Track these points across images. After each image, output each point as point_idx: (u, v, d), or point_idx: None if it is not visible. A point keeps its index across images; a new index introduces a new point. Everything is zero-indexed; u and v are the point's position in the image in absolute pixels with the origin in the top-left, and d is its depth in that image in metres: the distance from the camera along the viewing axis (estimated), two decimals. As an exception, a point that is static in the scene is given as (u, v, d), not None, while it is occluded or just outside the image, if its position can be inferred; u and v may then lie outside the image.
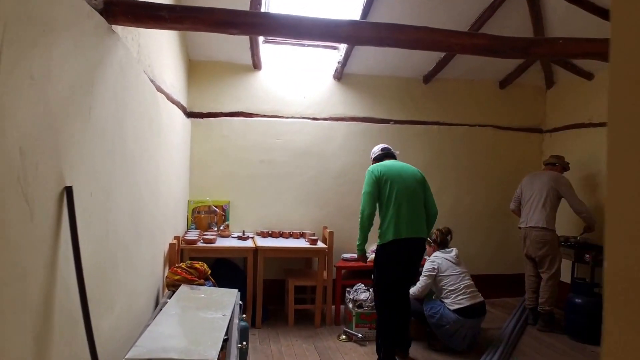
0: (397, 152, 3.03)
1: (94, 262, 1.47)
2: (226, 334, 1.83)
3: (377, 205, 2.74)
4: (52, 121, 1.14)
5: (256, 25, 1.76)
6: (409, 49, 1.93)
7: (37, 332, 1.07)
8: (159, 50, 2.51)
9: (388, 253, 2.69)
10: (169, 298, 2.21)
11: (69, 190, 1.20)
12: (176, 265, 2.58)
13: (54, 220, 1.16)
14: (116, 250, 1.71)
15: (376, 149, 3.02)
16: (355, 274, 3.63)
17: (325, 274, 3.50)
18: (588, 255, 3.52)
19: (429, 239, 3.20)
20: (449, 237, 3.24)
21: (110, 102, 1.60)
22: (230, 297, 2.27)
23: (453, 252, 3.14)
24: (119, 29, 1.72)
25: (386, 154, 2.95)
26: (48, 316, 1.13)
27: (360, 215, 2.71)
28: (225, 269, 3.48)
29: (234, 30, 1.76)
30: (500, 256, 4.39)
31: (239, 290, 2.46)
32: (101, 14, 1.53)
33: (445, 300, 2.98)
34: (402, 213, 2.65)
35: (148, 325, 1.81)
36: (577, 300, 3.37)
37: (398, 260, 2.70)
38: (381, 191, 2.69)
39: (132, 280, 1.96)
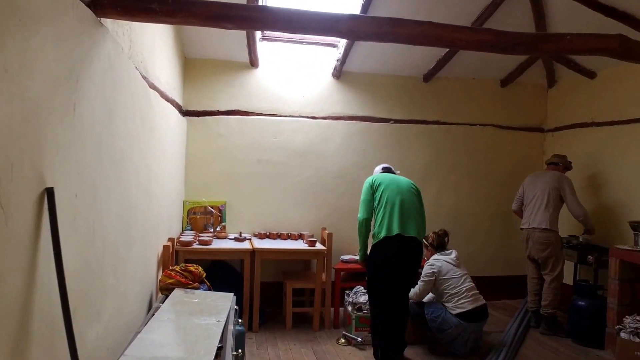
0: (397, 172, 3.11)
1: (80, 267, 1.39)
2: (221, 341, 1.75)
3: (373, 211, 2.81)
4: (31, 118, 1.06)
5: (252, 19, 1.68)
6: (410, 45, 1.85)
7: (14, 343, 0.99)
8: (152, 47, 2.43)
9: (380, 251, 2.69)
10: (162, 302, 2.13)
11: (49, 192, 1.12)
12: (170, 268, 2.50)
13: (32, 223, 1.08)
14: (105, 254, 1.63)
15: (377, 168, 3.12)
16: (354, 276, 3.56)
17: (324, 276, 3.42)
18: (591, 257, 3.46)
19: (425, 242, 3.15)
20: (446, 240, 3.16)
21: (97, 99, 1.52)
22: (225, 301, 2.19)
23: (453, 254, 3.07)
24: (108, 22, 1.65)
25: (386, 172, 3.05)
26: (26, 326, 1.05)
27: (358, 223, 2.81)
28: (221, 272, 3.40)
29: (228, 24, 1.68)
30: (501, 257, 4.32)
31: (234, 294, 2.39)
32: (89, 6, 1.45)
33: (447, 304, 2.91)
34: (394, 212, 2.70)
35: (139, 332, 1.73)
36: (580, 302, 3.31)
37: (390, 259, 2.68)
38: (375, 196, 2.78)
39: (122, 285, 1.88)
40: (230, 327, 1.94)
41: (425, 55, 3.81)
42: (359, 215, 2.79)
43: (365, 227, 2.77)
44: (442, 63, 3.87)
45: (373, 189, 2.79)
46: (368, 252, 2.82)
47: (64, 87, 1.25)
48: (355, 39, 2.69)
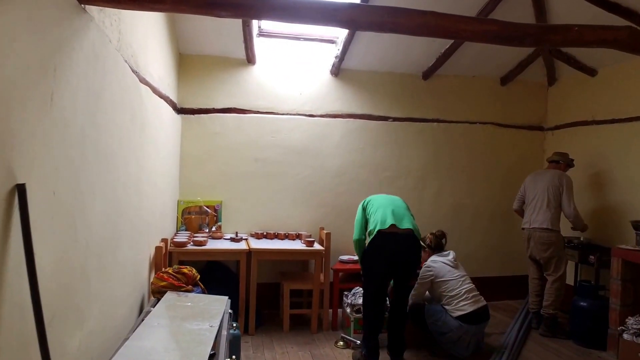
0: None
1: (60, 271, 1.27)
2: (213, 347, 1.64)
3: (367, 222, 2.83)
4: (-3, 106, 0.94)
5: (247, 6, 1.57)
6: (412, 37, 1.75)
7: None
8: (144, 40, 2.32)
9: (375, 247, 2.65)
10: (153, 306, 2.02)
11: (20, 189, 1.01)
12: (163, 270, 2.38)
13: (0, 223, 0.96)
14: (89, 256, 1.52)
15: None
16: (353, 277, 3.45)
17: (322, 276, 3.32)
18: (592, 257, 3.37)
19: (422, 243, 3.07)
20: (443, 241, 3.07)
21: (80, 90, 1.40)
22: (219, 305, 2.08)
23: (450, 255, 2.98)
24: (94, 11, 1.53)
25: None
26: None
27: (353, 243, 2.83)
28: (217, 273, 3.29)
29: (222, 12, 1.56)
30: (501, 257, 4.23)
31: (230, 296, 2.28)
32: (70, -10, 1.33)
33: (447, 307, 2.80)
34: (387, 210, 2.71)
35: (127, 339, 1.62)
36: (581, 303, 3.22)
37: (386, 255, 2.62)
38: (367, 211, 2.82)
39: (109, 290, 1.76)
40: (224, 332, 1.83)
41: (424, 52, 3.71)
42: (353, 236, 2.81)
43: (359, 246, 2.80)
44: (441, 60, 3.78)
45: (364, 207, 2.85)
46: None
47: (39, 76, 1.13)
48: (356, 29, 2.58)
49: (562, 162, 3.50)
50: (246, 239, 3.45)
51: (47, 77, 1.17)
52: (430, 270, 2.88)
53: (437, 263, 2.92)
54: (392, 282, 2.79)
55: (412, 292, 2.91)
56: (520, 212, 3.63)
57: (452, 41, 3.54)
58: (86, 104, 1.46)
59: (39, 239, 1.11)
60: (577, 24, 1.72)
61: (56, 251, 1.24)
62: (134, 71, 2.08)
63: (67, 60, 1.30)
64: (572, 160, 3.54)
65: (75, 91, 1.36)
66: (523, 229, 3.53)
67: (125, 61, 1.94)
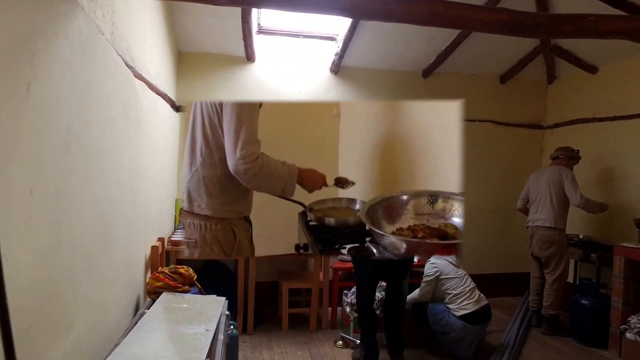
0: None
1: (39, 277, 1.13)
2: (209, 353, 1.51)
3: None
4: (-45, 92, 0.80)
5: (244, -6, 1.44)
6: (420, 26, 1.62)
7: None
8: (140, 36, 2.17)
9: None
10: (148, 308, 1.88)
11: (-14, 187, 0.87)
12: (159, 270, 2.24)
13: (-40, 227, 0.82)
14: (75, 259, 1.37)
15: None
16: (352, 276, 3.31)
17: (321, 275, 3.19)
18: (594, 255, 3.25)
19: None
20: None
21: (64, 81, 1.26)
22: (216, 306, 1.93)
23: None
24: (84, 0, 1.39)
25: None
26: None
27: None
28: (215, 272, 3.16)
29: (218, -1, 1.43)
30: (500, 254, 4.11)
31: (228, 295, 2.15)
32: (53, -27, 1.19)
33: (450, 306, 2.68)
34: None
35: (118, 344, 1.48)
36: (583, 301, 3.10)
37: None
38: None
39: (100, 292, 1.62)
40: (221, 336, 1.69)
41: (424, 50, 3.57)
42: None
43: None
44: (441, 58, 3.64)
45: None
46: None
47: (12, 62, 0.99)
48: (360, 18, 2.43)
49: (563, 156, 3.37)
50: (245, 238, 3.31)
51: (22, 64, 1.03)
52: (435, 267, 2.77)
53: (441, 260, 2.80)
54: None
55: (419, 291, 2.81)
56: (524, 211, 3.50)
57: (453, 39, 3.40)
58: (72, 97, 1.32)
59: (11, 243, 0.97)
60: (592, 14, 1.59)
61: (35, 256, 1.10)
62: (128, 66, 1.93)
63: (47, 47, 1.15)
64: (577, 152, 3.37)
65: (58, 82, 1.22)
66: (527, 227, 3.41)
67: (119, 55, 1.80)
